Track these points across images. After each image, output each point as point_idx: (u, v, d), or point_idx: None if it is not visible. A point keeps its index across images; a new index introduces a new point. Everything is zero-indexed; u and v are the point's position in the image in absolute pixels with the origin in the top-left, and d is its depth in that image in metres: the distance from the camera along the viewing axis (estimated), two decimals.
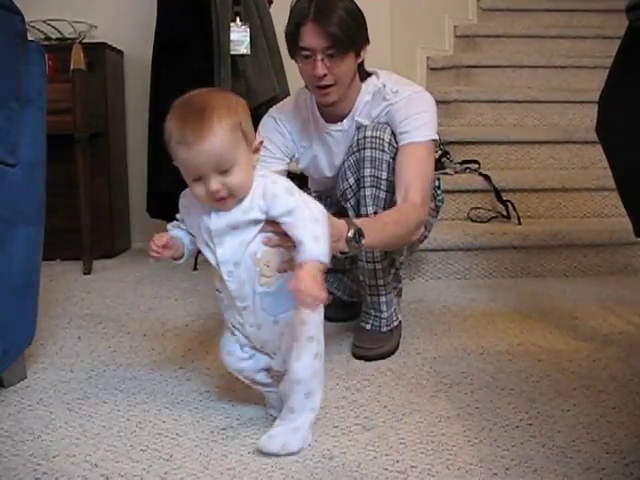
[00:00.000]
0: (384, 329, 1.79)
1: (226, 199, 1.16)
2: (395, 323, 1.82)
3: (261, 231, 1.20)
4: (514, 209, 2.78)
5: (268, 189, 1.18)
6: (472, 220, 2.83)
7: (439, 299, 2.31)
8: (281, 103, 1.90)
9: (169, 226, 1.34)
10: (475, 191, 2.87)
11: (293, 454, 1.21)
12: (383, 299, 1.78)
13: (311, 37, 1.59)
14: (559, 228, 2.66)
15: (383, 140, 1.68)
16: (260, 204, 1.18)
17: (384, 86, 1.74)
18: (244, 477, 1.14)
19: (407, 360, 1.71)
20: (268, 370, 1.33)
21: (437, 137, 1.74)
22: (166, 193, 2.84)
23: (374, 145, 1.68)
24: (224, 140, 1.12)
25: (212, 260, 1.23)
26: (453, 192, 2.80)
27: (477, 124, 3.43)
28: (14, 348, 1.51)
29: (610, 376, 1.58)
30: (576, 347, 1.79)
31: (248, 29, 2.62)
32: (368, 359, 1.71)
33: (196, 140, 1.11)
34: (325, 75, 1.61)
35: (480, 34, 4.02)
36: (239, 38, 2.60)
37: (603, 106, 1.59)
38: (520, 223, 2.74)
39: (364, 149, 1.69)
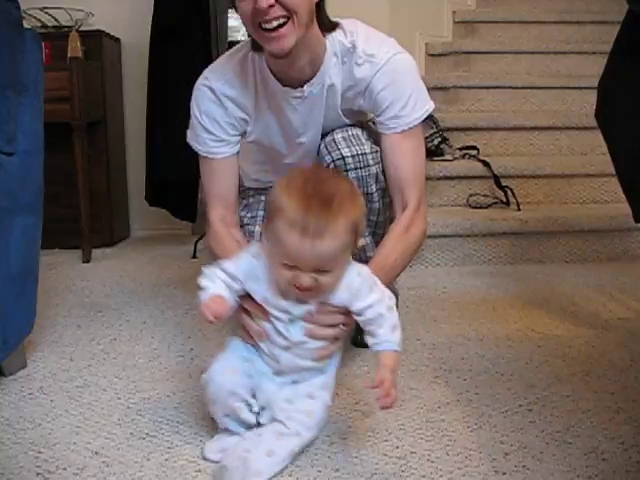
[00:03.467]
0: None
1: (309, 293, 1.08)
2: None
3: (307, 320, 1.13)
4: (513, 195, 2.78)
5: (353, 283, 1.12)
6: (471, 206, 2.82)
7: (438, 286, 2.31)
8: (217, 65, 1.51)
9: (206, 274, 1.17)
10: (474, 177, 2.86)
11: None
12: None
13: None
14: (559, 214, 2.66)
15: (365, 154, 1.48)
16: (343, 297, 1.13)
17: (354, 47, 1.42)
18: None
19: (406, 346, 1.71)
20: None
21: (432, 105, 1.50)
22: (164, 181, 2.85)
23: (358, 165, 1.47)
24: (340, 245, 1.04)
25: (277, 325, 1.14)
26: (452, 178, 2.80)
27: (476, 110, 3.42)
28: (13, 337, 1.51)
29: (609, 362, 1.59)
30: (575, 333, 1.80)
31: None
32: (367, 346, 1.70)
33: (316, 235, 1.01)
34: (271, 6, 1.23)
35: (479, 20, 3.98)
36: (236, 25, 2.59)
37: (602, 92, 1.58)
38: (519, 209, 2.73)
39: (347, 171, 1.47)
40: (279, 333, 1.14)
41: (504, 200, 2.79)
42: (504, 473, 1.11)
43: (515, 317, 1.94)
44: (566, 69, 3.69)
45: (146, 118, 2.86)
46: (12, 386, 1.48)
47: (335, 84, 1.45)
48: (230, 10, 2.59)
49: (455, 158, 2.92)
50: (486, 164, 2.84)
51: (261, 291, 1.14)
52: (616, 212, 2.62)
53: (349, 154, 1.47)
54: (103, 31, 3.07)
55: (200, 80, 1.49)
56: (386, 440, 1.22)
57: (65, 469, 1.13)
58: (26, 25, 1.85)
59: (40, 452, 1.19)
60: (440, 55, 3.82)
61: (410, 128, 1.45)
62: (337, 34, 1.43)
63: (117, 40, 3.27)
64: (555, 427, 1.26)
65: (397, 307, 1.74)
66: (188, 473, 1.12)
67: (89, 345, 1.75)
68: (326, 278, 1.06)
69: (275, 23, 1.26)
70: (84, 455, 1.18)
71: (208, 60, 2.64)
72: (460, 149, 2.97)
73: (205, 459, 1.16)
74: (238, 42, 2.59)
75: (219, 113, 1.47)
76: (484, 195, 2.84)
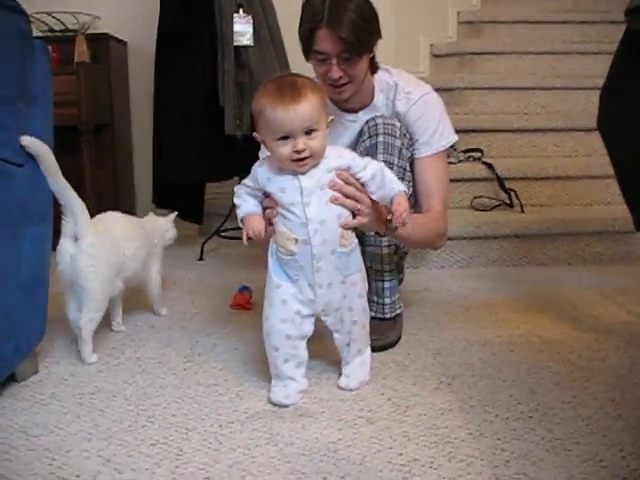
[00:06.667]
0: (388, 315, 1.81)
1: (306, 160, 1.34)
2: (398, 311, 1.85)
3: (330, 187, 1.39)
4: (517, 197, 2.80)
5: (343, 153, 1.44)
6: (475, 209, 2.84)
7: (443, 288, 2.34)
8: None
9: (238, 190, 1.45)
10: (478, 180, 2.88)
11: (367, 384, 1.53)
12: (387, 284, 1.81)
13: (325, 42, 1.61)
14: (562, 216, 2.68)
15: (395, 126, 1.73)
16: (340, 163, 1.40)
17: (396, 85, 1.79)
18: (252, 470, 1.18)
19: (411, 352, 1.74)
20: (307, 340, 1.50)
21: (455, 138, 1.83)
22: (171, 183, 2.87)
23: (387, 131, 1.72)
24: (315, 106, 1.33)
25: (297, 221, 1.37)
26: (456, 181, 2.81)
27: (480, 112, 3.44)
28: (25, 343, 1.54)
29: (609, 367, 1.61)
30: (577, 337, 1.82)
31: (251, 20, 2.63)
32: (372, 350, 1.73)
33: (293, 102, 1.30)
34: (340, 77, 1.65)
35: (484, 20, 4.00)
36: (242, 29, 2.61)
37: (604, 100, 1.60)
38: (523, 211, 2.76)
39: (377, 135, 1.72)
40: (300, 221, 1.38)
41: (508, 202, 2.81)
42: None
43: (517, 321, 1.97)
44: (570, 70, 3.70)
45: (153, 120, 2.88)
46: (25, 392, 1.52)
47: (384, 114, 1.78)
48: (236, 15, 2.60)
49: (460, 161, 2.94)
50: (490, 166, 2.86)
51: (275, 183, 1.39)
52: (619, 214, 2.63)
53: (381, 122, 1.73)
54: (110, 34, 3.11)
55: None
56: (390, 447, 1.25)
57: (78, 476, 1.17)
58: (33, 29, 1.87)
59: (54, 459, 1.22)
60: (445, 56, 3.84)
61: (437, 152, 1.78)
62: (382, 75, 1.80)
63: (124, 43, 3.30)
64: (555, 434, 1.29)
65: (400, 283, 1.96)
66: None
67: (99, 350, 1.77)
68: (314, 142, 1.33)
69: (340, 86, 1.67)
70: (97, 462, 1.21)
71: (214, 64, 2.67)
72: (464, 151, 2.99)
73: (275, 404, 1.43)
74: (244, 47, 2.64)
75: None
76: (488, 197, 2.86)
